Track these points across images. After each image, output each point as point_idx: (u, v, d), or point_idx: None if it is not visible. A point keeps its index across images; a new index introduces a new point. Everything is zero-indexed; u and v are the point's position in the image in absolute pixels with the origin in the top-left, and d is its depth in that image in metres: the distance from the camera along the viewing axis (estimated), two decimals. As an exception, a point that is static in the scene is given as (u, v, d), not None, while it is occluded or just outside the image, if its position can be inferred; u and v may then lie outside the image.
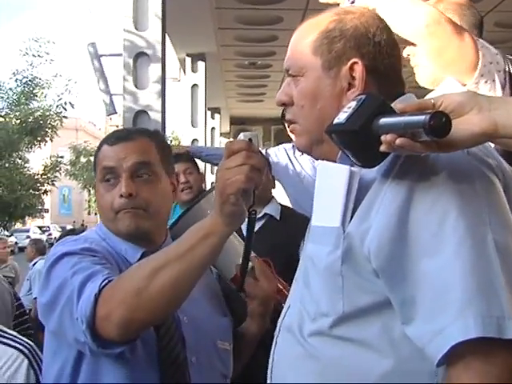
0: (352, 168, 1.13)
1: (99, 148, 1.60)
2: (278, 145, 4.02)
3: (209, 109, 11.10)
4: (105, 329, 1.31)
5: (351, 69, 1.20)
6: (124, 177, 1.52)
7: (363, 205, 1.11)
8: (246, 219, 1.33)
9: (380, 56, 1.21)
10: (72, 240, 1.54)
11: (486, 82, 2.11)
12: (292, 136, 1.59)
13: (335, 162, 1.19)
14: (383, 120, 1.02)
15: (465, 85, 2.13)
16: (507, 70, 2.16)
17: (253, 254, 1.65)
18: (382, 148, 1.02)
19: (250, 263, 1.55)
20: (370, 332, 1.09)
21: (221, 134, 13.14)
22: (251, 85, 10.42)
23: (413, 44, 2.25)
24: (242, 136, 1.27)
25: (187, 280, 1.32)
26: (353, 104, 1.08)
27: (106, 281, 1.34)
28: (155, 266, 1.31)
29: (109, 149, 1.57)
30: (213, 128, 12.00)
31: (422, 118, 0.95)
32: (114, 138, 1.59)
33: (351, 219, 1.11)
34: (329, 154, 1.21)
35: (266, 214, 2.92)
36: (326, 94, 1.20)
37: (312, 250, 1.21)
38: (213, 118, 12.29)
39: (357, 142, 1.06)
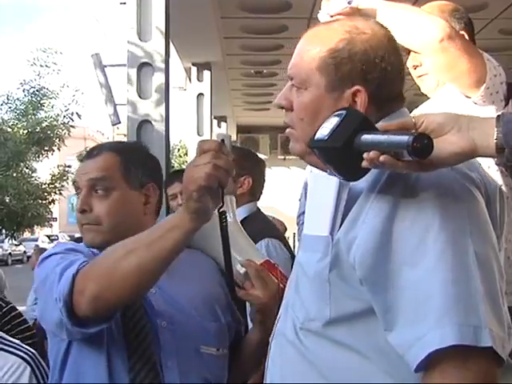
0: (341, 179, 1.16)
1: None
2: (285, 152, 3.99)
3: (215, 117, 11.10)
4: (78, 303, 1.41)
5: (354, 94, 1.20)
6: (82, 192, 1.61)
7: (351, 215, 1.14)
8: (218, 223, 1.39)
9: (384, 82, 1.22)
10: (61, 244, 1.69)
11: (491, 94, 2.11)
12: None
13: (325, 170, 1.20)
14: (365, 137, 1.04)
15: (469, 97, 2.12)
16: (508, 81, 2.16)
17: (255, 259, 1.63)
18: (364, 164, 1.04)
19: (244, 268, 1.56)
20: (357, 338, 1.13)
21: (227, 143, 13.12)
22: (257, 93, 10.40)
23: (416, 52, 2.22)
24: (216, 136, 1.31)
25: (151, 267, 1.39)
26: (334, 119, 1.09)
27: (84, 263, 1.45)
28: (127, 249, 1.40)
29: (79, 165, 1.70)
30: (219, 136, 12.00)
31: (405, 138, 0.97)
32: (84, 155, 1.71)
33: (340, 228, 1.14)
34: (320, 162, 1.23)
35: None
36: (326, 113, 1.19)
37: (302, 257, 1.26)
38: (219, 126, 12.29)
39: (339, 157, 1.08)
